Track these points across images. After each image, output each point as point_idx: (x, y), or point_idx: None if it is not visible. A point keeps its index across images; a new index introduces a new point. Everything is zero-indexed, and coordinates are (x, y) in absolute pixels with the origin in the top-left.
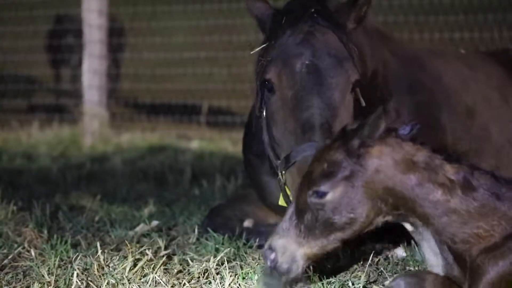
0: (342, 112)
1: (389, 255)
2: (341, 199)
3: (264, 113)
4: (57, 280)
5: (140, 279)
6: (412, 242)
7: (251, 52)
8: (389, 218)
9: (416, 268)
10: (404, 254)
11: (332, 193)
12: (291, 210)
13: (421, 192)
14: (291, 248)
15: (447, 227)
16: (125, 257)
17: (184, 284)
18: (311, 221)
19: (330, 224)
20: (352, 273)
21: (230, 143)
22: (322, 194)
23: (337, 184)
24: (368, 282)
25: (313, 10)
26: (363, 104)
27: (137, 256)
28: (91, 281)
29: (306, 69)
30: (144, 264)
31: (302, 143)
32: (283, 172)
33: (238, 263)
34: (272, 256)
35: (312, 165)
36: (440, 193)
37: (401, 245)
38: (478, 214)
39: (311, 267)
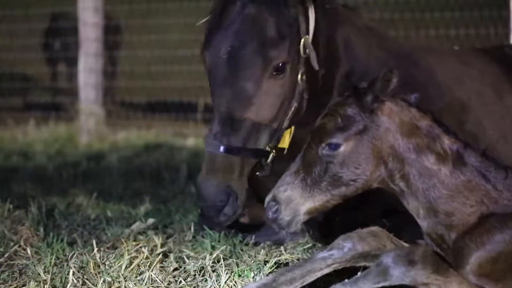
0: (259, 98)
1: None
2: (351, 153)
3: None
4: (53, 279)
5: (136, 277)
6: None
7: (197, 24)
8: (383, 186)
9: None
10: None
11: (345, 146)
12: (296, 164)
13: (418, 157)
14: (295, 202)
15: (433, 198)
16: (121, 255)
17: (180, 281)
18: (319, 175)
19: (337, 178)
20: None
21: None
22: (336, 146)
23: (350, 137)
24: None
25: None
26: (316, 68)
27: (133, 254)
28: (87, 279)
29: (227, 55)
30: (140, 262)
31: (210, 133)
32: None
33: (234, 260)
34: (275, 208)
35: (323, 120)
36: (433, 161)
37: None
38: (464, 188)
39: None
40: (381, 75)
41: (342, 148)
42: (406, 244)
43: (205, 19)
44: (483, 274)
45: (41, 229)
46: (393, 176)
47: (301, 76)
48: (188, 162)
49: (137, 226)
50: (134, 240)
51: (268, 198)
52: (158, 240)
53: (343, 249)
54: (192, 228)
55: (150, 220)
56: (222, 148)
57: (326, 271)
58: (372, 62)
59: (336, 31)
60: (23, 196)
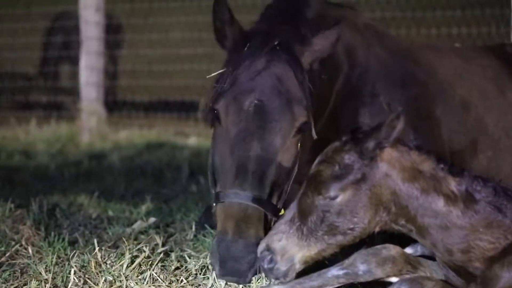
0: (282, 155)
1: None
2: (348, 202)
3: (212, 139)
4: (55, 278)
5: (137, 276)
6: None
7: (208, 77)
8: (386, 228)
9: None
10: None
11: (342, 196)
12: (291, 212)
13: (425, 201)
14: (291, 251)
15: (445, 239)
16: (123, 254)
17: (182, 280)
18: (315, 223)
19: (334, 227)
20: None
21: None
22: (333, 197)
23: (347, 187)
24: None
25: (276, 42)
26: (315, 137)
27: (135, 253)
28: (88, 278)
29: (253, 109)
30: (141, 261)
31: (232, 187)
32: (214, 204)
33: None
34: (269, 258)
35: (320, 167)
36: (443, 204)
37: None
38: (481, 226)
39: None
40: (387, 121)
41: (339, 198)
42: (423, 265)
43: (220, 71)
44: None
45: (43, 228)
46: (397, 220)
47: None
48: (189, 161)
49: (138, 225)
50: (136, 239)
51: (261, 247)
52: (159, 239)
53: (358, 271)
54: (194, 227)
55: (152, 219)
56: (254, 199)
57: (336, 285)
58: (372, 61)
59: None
60: (25, 195)
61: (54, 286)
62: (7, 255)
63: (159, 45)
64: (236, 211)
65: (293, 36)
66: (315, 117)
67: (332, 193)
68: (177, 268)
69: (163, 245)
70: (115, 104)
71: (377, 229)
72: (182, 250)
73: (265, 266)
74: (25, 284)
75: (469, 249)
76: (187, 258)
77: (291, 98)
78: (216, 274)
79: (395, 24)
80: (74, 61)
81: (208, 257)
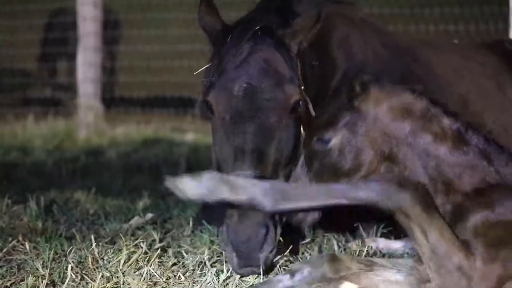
0: (279, 134)
1: (384, 247)
2: (344, 146)
3: (211, 131)
4: (52, 273)
5: (134, 272)
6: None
7: (195, 73)
8: (386, 169)
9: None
10: (399, 247)
11: (335, 140)
12: (301, 159)
13: (415, 139)
14: None
15: (434, 174)
16: (120, 250)
17: (179, 276)
18: (319, 168)
19: (336, 169)
20: None
21: None
22: (326, 141)
23: (338, 131)
24: None
25: (257, 27)
26: (313, 114)
27: (132, 249)
28: (85, 274)
29: (243, 93)
30: (138, 257)
31: (233, 170)
32: None
33: None
34: None
35: (317, 116)
36: (431, 140)
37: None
38: (466, 166)
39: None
40: (361, 78)
41: (332, 143)
42: (378, 263)
43: (206, 66)
44: (479, 234)
45: (40, 224)
46: (393, 159)
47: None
48: (187, 157)
49: (135, 221)
50: (133, 235)
51: None
52: (156, 235)
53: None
54: (191, 223)
55: (149, 215)
56: (253, 176)
57: None
58: (370, 57)
59: (330, 39)
60: (22, 191)
61: (51, 282)
62: (4, 251)
63: (157, 41)
64: None
65: (274, 21)
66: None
67: (325, 138)
68: (174, 264)
69: (160, 241)
70: (112, 100)
71: (382, 170)
72: (179, 246)
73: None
74: (22, 280)
75: (452, 179)
76: (185, 254)
77: (280, 78)
78: (233, 266)
79: (393, 21)
80: (72, 57)
81: (221, 249)
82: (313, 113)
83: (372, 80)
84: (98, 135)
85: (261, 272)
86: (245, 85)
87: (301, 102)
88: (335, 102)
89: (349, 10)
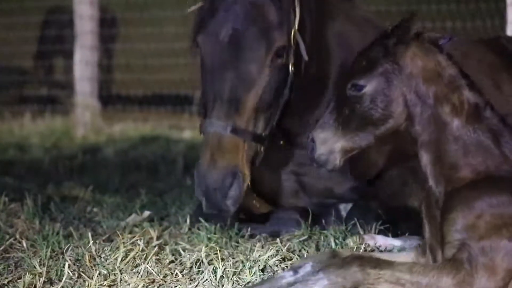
0: (260, 82)
1: (382, 244)
2: (377, 94)
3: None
4: (49, 271)
5: (132, 269)
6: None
7: (188, 11)
8: (404, 128)
9: None
10: (397, 244)
11: (369, 87)
12: (331, 106)
13: (435, 105)
14: (330, 140)
15: (443, 148)
16: (117, 248)
17: (177, 274)
18: (349, 114)
19: (365, 117)
20: None
21: None
22: (360, 88)
23: (373, 79)
24: None
25: None
26: (306, 58)
27: (129, 247)
28: (82, 271)
29: (228, 38)
30: (136, 254)
31: (211, 117)
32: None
33: (231, 252)
34: (311, 147)
35: (354, 62)
36: (448, 111)
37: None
38: (472, 146)
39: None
40: (402, 20)
41: (366, 89)
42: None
43: (197, 5)
44: (468, 228)
45: (37, 222)
46: (413, 120)
47: (291, 66)
48: (184, 154)
49: (133, 218)
50: (130, 233)
51: (308, 138)
52: (154, 233)
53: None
54: (188, 220)
55: (146, 213)
56: (229, 128)
57: None
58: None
59: (326, 25)
60: (19, 189)
61: (48, 280)
62: (1, 248)
63: (154, 39)
64: (211, 141)
65: None
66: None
67: (358, 83)
68: (171, 262)
69: (157, 239)
70: (109, 98)
71: (402, 128)
72: (176, 244)
73: (309, 154)
74: (19, 278)
75: (456, 166)
76: (182, 252)
77: (267, 24)
78: (203, 207)
79: (390, 18)
80: (68, 55)
81: (195, 191)
82: (305, 57)
83: (407, 33)
84: (95, 133)
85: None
86: (231, 31)
87: (286, 48)
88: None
89: (349, 6)
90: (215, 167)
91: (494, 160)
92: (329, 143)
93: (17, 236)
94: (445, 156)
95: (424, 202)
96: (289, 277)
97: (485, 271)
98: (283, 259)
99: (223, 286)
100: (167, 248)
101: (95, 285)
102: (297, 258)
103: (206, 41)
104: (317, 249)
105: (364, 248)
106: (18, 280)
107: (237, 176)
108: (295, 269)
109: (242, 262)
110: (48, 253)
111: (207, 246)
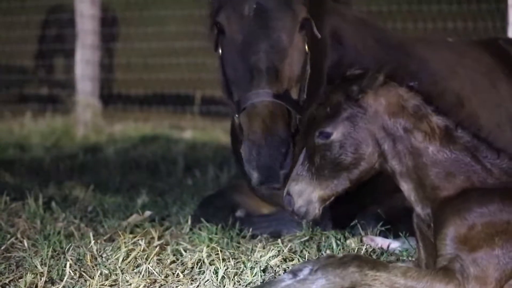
0: (291, 52)
1: (382, 246)
2: (345, 139)
3: (220, 53)
4: (50, 271)
5: (133, 269)
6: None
7: None
8: (379, 166)
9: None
10: (397, 246)
11: (336, 133)
12: (302, 156)
13: (406, 136)
14: (306, 191)
15: (422, 174)
16: (118, 248)
17: (178, 274)
18: (320, 163)
19: (337, 163)
20: None
21: (223, 133)
22: (327, 135)
23: (339, 125)
24: None
25: None
26: (319, 36)
27: (130, 247)
28: (84, 271)
29: (254, 12)
30: (137, 254)
31: (250, 89)
32: (237, 115)
33: (232, 252)
34: (289, 201)
35: (315, 110)
36: (421, 139)
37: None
38: (450, 166)
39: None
40: (370, 72)
41: (333, 136)
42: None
43: None
44: (459, 240)
45: (38, 222)
46: (386, 157)
47: (307, 44)
48: (185, 154)
49: (134, 218)
50: (131, 233)
51: (284, 193)
52: (155, 233)
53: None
54: (189, 220)
55: (147, 213)
56: (275, 95)
57: None
58: (363, 52)
59: (322, 22)
60: (20, 188)
61: (49, 279)
62: (2, 248)
63: (155, 38)
64: (260, 110)
65: None
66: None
67: (325, 131)
68: (173, 262)
69: (158, 239)
70: (110, 98)
71: (377, 167)
72: (178, 244)
73: (288, 208)
74: (20, 277)
75: (438, 186)
76: (183, 252)
77: None
78: (253, 182)
79: (391, 18)
80: (69, 54)
81: (244, 165)
82: (318, 34)
83: (372, 85)
84: (96, 132)
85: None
86: (254, 5)
87: (307, 20)
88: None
89: (343, 7)
90: (271, 133)
91: (478, 175)
92: (306, 194)
93: (19, 236)
94: (426, 180)
95: (415, 225)
96: (288, 280)
97: (477, 282)
98: (285, 259)
99: (224, 286)
100: (169, 248)
101: (97, 285)
102: (298, 259)
103: (230, 18)
104: (319, 250)
105: (365, 249)
106: (20, 280)
107: (290, 146)
108: (294, 272)
109: (244, 262)
110: (50, 253)
111: (208, 246)
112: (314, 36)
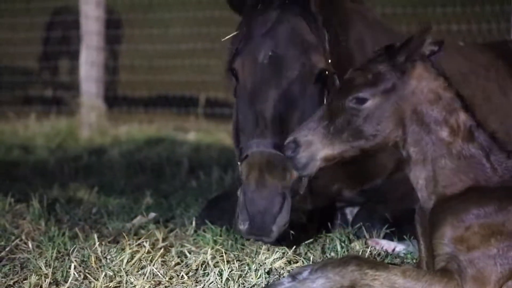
0: (303, 103)
1: (387, 249)
2: (376, 109)
3: (235, 100)
4: (55, 272)
5: (137, 271)
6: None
7: (223, 40)
8: (393, 145)
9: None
10: (402, 249)
11: (371, 101)
12: (321, 111)
13: (435, 126)
14: (314, 146)
15: (439, 167)
16: (123, 249)
17: (182, 276)
18: (342, 125)
19: (359, 131)
20: None
21: (227, 135)
22: (362, 101)
23: (377, 94)
24: None
25: None
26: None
27: (135, 248)
28: (88, 273)
29: (268, 60)
30: (141, 256)
31: (253, 137)
32: (239, 163)
33: (236, 254)
34: (293, 148)
35: (354, 74)
36: (447, 133)
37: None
38: (465, 163)
39: (311, 258)
40: (416, 34)
41: (368, 103)
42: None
43: (232, 34)
44: (457, 241)
45: (43, 223)
46: (406, 140)
47: (327, 91)
48: (189, 156)
49: (138, 220)
50: (136, 234)
51: (288, 139)
52: (159, 235)
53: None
54: (194, 222)
55: (152, 214)
56: (276, 146)
57: None
58: None
59: (348, 34)
60: (25, 190)
61: (54, 281)
62: (7, 249)
63: (159, 40)
64: (258, 159)
65: None
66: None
67: (362, 96)
68: (177, 264)
69: (163, 241)
70: (115, 99)
71: (390, 145)
72: (182, 246)
73: (288, 154)
74: (25, 279)
75: (450, 184)
76: (187, 254)
77: (306, 47)
78: (242, 232)
79: (396, 21)
80: (73, 56)
81: (236, 214)
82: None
83: (419, 48)
84: (100, 134)
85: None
86: (270, 53)
87: (327, 71)
88: None
89: (363, 9)
90: (265, 185)
91: (484, 173)
92: (313, 148)
93: (23, 237)
94: (440, 175)
95: (418, 221)
96: (287, 283)
97: (474, 283)
98: (289, 262)
99: None
100: (173, 250)
101: (101, 287)
102: (303, 261)
103: (245, 64)
104: (323, 252)
105: (369, 251)
106: (24, 281)
107: (286, 198)
108: (293, 276)
109: (248, 264)
110: (54, 254)
111: (213, 248)
112: (339, 55)
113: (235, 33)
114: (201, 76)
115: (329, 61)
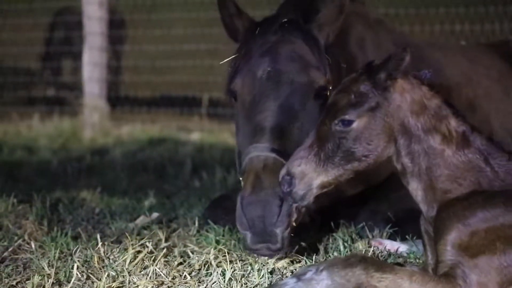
0: (303, 116)
1: (390, 249)
2: (364, 129)
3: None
4: (57, 273)
5: (140, 271)
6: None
7: (221, 63)
8: (386, 161)
9: (418, 261)
10: (405, 249)
11: (358, 122)
12: (310, 139)
13: (425, 136)
14: (309, 176)
15: (435, 175)
16: (126, 249)
17: (185, 276)
18: (332, 150)
19: (350, 153)
20: None
21: (230, 135)
22: (349, 123)
23: (363, 114)
24: None
25: (284, 20)
26: None
27: (138, 249)
28: (91, 273)
29: (267, 75)
30: (144, 256)
31: (252, 142)
32: (241, 178)
33: (239, 254)
34: (289, 181)
35: (337, 97)
36: (439, 141)
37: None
38: (463, 168)
39: (313, 258)
40: (394, 54)
41: (354, 124)
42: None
43: (230, 57)
44: (461, 247)
45: (45, 223)
46: (399, 153)
47: None
48: (192, 156)
49: (141, 220)
50: (138, 235)
51: (282, 172)
52: (162, 235)
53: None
54: (196, 222)
55: (155, 215)
56: (273, 150)
57: None
58: (380, 56)
59: (349, 35)
60: (27, 190)
61: (57, 281)
62: (10, 250)
63: (162, 41)
64: (255, 163)
65: (299, 15)
66: None
67: (348, 119)
68: (180, 264)
69: (166, 241)
70: (117, 100)
71: (383, 160)
72: (185, 246)
73: (285, 189)
74: (28, 279)
75: (450, 189)
76: (190, 254)
77: (306, 64)
78: (247, 245)
79: (398, 21)
80: (76, 56)
81: (237, 226)
82: None
83: (398, 67)
84: (103, 134)
85: (279, 248)
86: (269, 69)
87: (326, 88)
88: None
89: (364, 10)
90: (262, 187)
91: (486, 177)
92: (308, 178)
93: (26, 238)
94: (437, 183)
95: (423, 229)
96: (292, 284)
97: (479, 287)
98: (292, 262)
99: None
100: (176, 250)
101: (104, 287)
102: (305, 261)
103: (244, 82)
104: (326, 252)
105: (372, 251)
106: (27, 281)
107: (283, 203)
108: (298, 276)
109: (251, 264)
110: (57, 255)
111: (215, 248)
112: (342, 54)
113: (233, 56)
114: (204, 76)
115: (330, 80)
